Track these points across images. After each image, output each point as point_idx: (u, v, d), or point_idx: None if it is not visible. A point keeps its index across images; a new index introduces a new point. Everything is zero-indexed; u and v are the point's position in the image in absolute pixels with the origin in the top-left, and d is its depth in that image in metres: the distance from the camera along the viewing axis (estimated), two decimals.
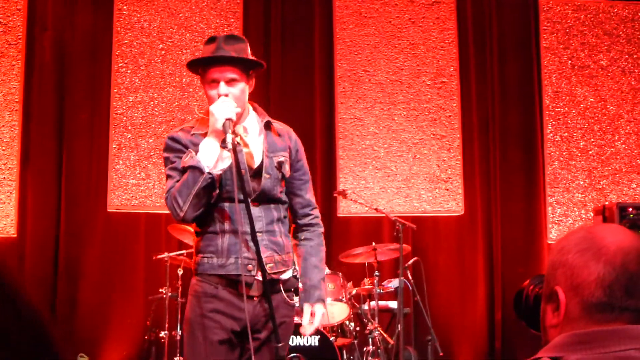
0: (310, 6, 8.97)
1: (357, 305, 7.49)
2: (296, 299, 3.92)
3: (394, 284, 7.43)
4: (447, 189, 8.78)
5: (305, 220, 4.02)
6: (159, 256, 7.52)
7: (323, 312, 3.94)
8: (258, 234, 3.63)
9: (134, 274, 8.39)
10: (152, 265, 7.98)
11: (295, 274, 3.86)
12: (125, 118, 8.54)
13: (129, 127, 8.53)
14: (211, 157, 3.56)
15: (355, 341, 7.27)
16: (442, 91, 8.89)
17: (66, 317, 8.18)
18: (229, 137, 3.50)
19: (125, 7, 8.68)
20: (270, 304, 3.60)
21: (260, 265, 3.59)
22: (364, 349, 7.13)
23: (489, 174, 8.89)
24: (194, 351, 3.69)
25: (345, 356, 7.05)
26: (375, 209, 7.67)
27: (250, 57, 3.76)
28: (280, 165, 3.80)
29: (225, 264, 3.66)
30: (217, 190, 3.63)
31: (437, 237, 8.81)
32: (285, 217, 3.89)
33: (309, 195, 4.02)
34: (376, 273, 7.25)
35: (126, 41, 8.64)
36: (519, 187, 8.92)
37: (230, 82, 3.67)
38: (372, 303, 7.29)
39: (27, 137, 8.45)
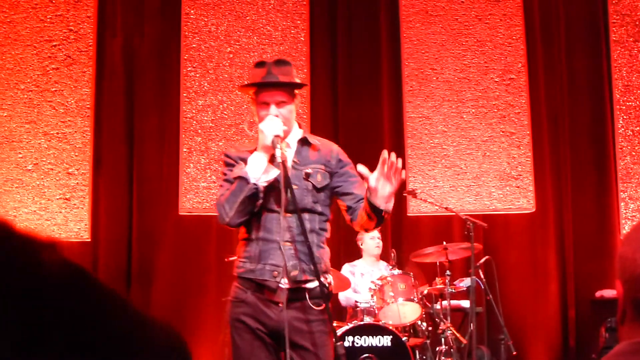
0: (376, 6, 8.96)
1: (429, 305, 7.46)
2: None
3: (465, 283, 7.40)
4: (518, 187, 8.70)
5: None
6: (231, 258, 7.52)
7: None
8: (287, 243, 3.89)
9: (207, 276, 8.46)
10: (224, 266, 8.02)
11: (325, 283, 3.98)
12: (194, 122, 8.61)
13: (199, 131, 8.60)
14: (258, 170, 3.85)
15: (428, 341, 7.24)
16: (510, 88, 8.81)
17: None
18: (278, 152, 3.79)
19: (192, 11, 8.76)
20: (328, 310, 3.89)
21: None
22: (437, 348, 7.11)
23: (559, 171, 8.79)
24: (235, 352, 4.02)
25: (417, 356, 7.03)
26: (446, 208, 7.64)
27: (296, 80, 4.08)
28: (307, 176, 4.00)
29: (254, 269, 3.91)
30: (261, 200, 3.86)
31: (508, 235, 8.73)
32: (321, 229, 4.06)
33: (360, 191, 4.06)
34: (447, 272, 7.22)
35: (194, 45, 8.72)
36: (590, 183, 8.81)
37: (279, 104, 3.96)
38: (444, 302, 7.27)
39: (98, 142, 8.58)
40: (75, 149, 8.51)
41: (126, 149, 8.61)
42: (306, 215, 3.96)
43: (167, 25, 8.78)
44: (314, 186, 4.00)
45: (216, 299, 8.19)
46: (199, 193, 8.53)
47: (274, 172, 3.86)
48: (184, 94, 8.64)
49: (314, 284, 3.92)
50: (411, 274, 7.16)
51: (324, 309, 3.96)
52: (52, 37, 8.61)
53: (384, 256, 7.71)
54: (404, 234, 8.65)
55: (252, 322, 3.91)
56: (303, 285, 3.90)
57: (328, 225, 4.10)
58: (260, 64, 4.06)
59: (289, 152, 4.03)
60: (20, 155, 8.45)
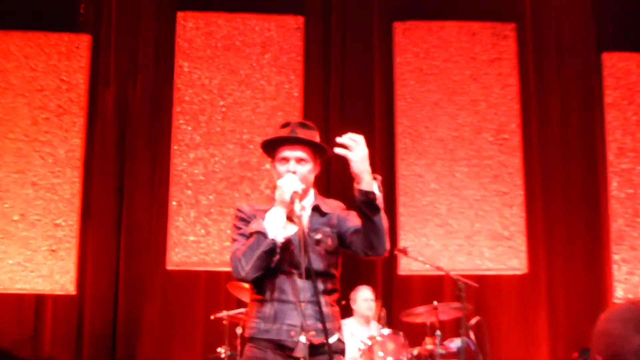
0: (370, 63, 8.97)
1: None
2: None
3: (455, 343, 7.29)
4: (510, 247, 8.66)
5: None
6: (217, 315, 7.45)
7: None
8: (303, 304, 3.91)
9: (193, 332, 8.35)
10: (210, 323, 7.92)
11: (340, 337, 4.05)
12: (185, 174, 8.55)
13: (189, 184, 8.53)
14: (276, 225, 3.85)
15: None
16: (504, 147, 8.81)
17: None
18: (297, 207, 3.78)
19: (186, 64, 8.74)
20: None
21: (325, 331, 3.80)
22: None
23: (552, 231, 8.77)
24: None
25: None
26: (437, 267, 7.57)
27: (319, 142, 4.10)
28: (317, 242, 4.03)
29: (270, 329, 3.93)
30: (278, 256, 3.87)
31: (499, 296, 8.69)
32: (332, 290, 4.10)
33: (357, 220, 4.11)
34: (438, 333, 7.13)
35: (187, 98, 8.69)
36: (583, 245, 8.79)
37: (299, 161, 3.98)
38: None
39: (87, 194, 8.52)
40: (64, 200, 8.43)
41: (115, 201, 8.53)
42: (319, 278, 3.98)
43: (161, 77, 8.77)
44: (326, 251, 4.03)
45: (202, 356, 8.09)
46: (188, 247, 8.43)
47: (292, 229, 3.88)
48: (175, 147, 8.59)
49: (331, 339, 3.94)
50: (401, 333, 7.07)
51: None
52: (43, 86, 8.58)
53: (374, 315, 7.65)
54: (394, 293, 8.58)
55: None
56: (322, 341, 3.88)
57: (337, 285, 4.14)
58: (285, 125, 4.10)
59: (304, 215, 4.04)
60: (7, 205, 8.37)
